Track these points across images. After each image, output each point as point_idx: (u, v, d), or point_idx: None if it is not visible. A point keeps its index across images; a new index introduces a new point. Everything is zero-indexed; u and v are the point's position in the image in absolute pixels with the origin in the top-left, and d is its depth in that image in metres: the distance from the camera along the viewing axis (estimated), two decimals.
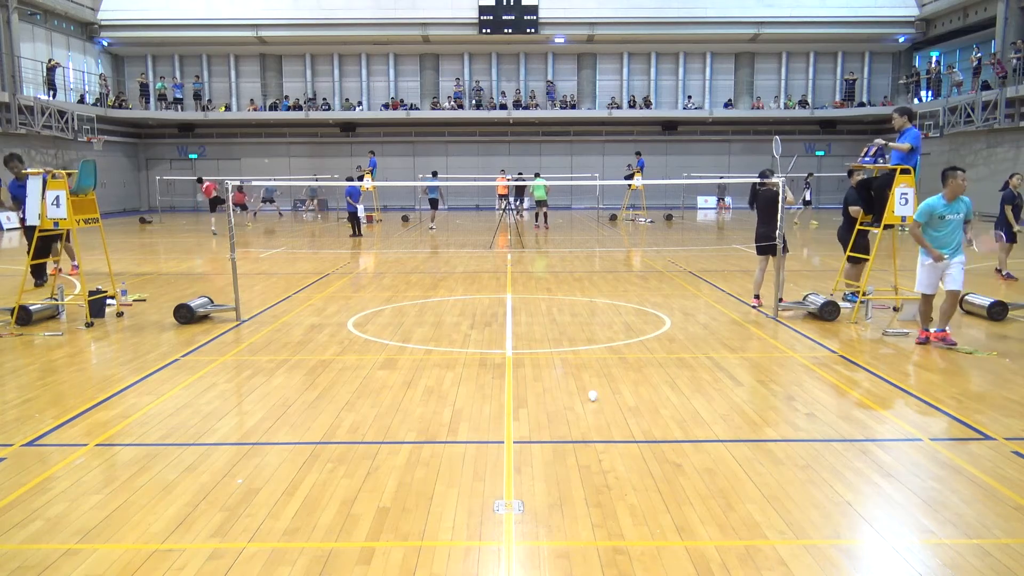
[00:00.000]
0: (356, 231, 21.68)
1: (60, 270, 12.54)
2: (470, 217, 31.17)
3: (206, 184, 24.54)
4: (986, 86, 27.98)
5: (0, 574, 3.61)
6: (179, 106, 36.23)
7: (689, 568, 3.63)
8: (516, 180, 26.96)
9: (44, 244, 10.61)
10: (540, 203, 24.83)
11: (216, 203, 23.88)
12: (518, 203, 28.56)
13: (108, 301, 10.11)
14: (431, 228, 24.45)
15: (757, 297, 10.45)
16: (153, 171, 37.24)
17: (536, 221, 24.61)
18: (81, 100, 32.79)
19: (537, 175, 27.00)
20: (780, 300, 9.87)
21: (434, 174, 27.58)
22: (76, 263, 12.19)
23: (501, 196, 28.30)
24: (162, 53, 37.17)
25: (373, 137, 37.23)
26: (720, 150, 38.00)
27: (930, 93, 32.89)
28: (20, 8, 28.26)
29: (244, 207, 27.67)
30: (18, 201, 9.86)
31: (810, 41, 36.15)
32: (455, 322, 9.48)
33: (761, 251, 10.31)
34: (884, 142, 9.62)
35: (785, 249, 10.28)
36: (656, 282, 12.77)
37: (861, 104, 35.93)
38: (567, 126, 37.67)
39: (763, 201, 10.12)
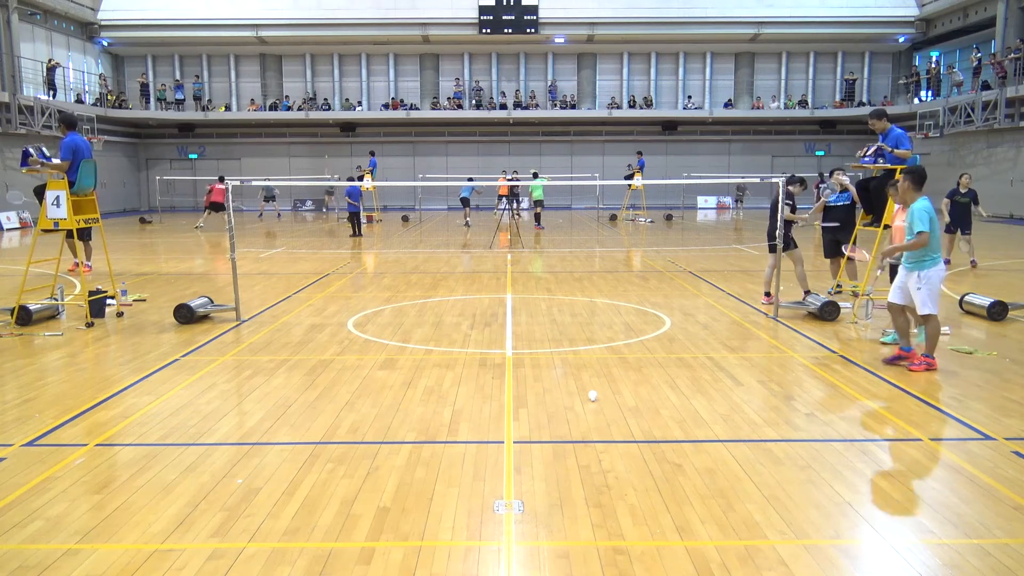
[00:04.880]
0: (356, 231, 21.69)
1: (88, 267, 12.74)
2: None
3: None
4: (986, 86, 27.98)
5: (0, 574, 3.61)
6: (179, 106, 36.24)
7: (689, 568, 3.63)
8: (510, 180, 27.03)
9: (81, 232, 11.71)
10: (537, 203, 24.80)
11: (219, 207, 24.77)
12: (515, 204, 28.63)
13: (108, 301, 10.10)
14: (467, 223, 25.88)
15: (767, 295, 10.55)
16: (153, 171, 37.23)
17: (537, 222, 24.59)
18: (78, 100, 32.73)
19: (535, 175, 27.01)
20: (775, 292, 10.01)
21: (470, 179, 28.09)
22: (78, 261, 12.25)
23: (501, 196, 28.39)
24: (162, 53, 37.18)
25: (373, 137, 37.24)
26: (720, 150, 38.00)
27: (930, 93, 32.88)
28: (20, 8, 28.26)
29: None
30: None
31: (810, 41, 36.14)
32: (455, 322, 9.48)
33: (773, 249, 10.45)
34: (889, 148, 9.49)
35: (794, 245, 10.40)
36: (656, 282, 12.77)
37: (861, 104, 35.91)
38: (567, 126, 37.66)
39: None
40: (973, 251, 14.33)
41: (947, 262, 14.05)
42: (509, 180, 26.27)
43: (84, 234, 12.29)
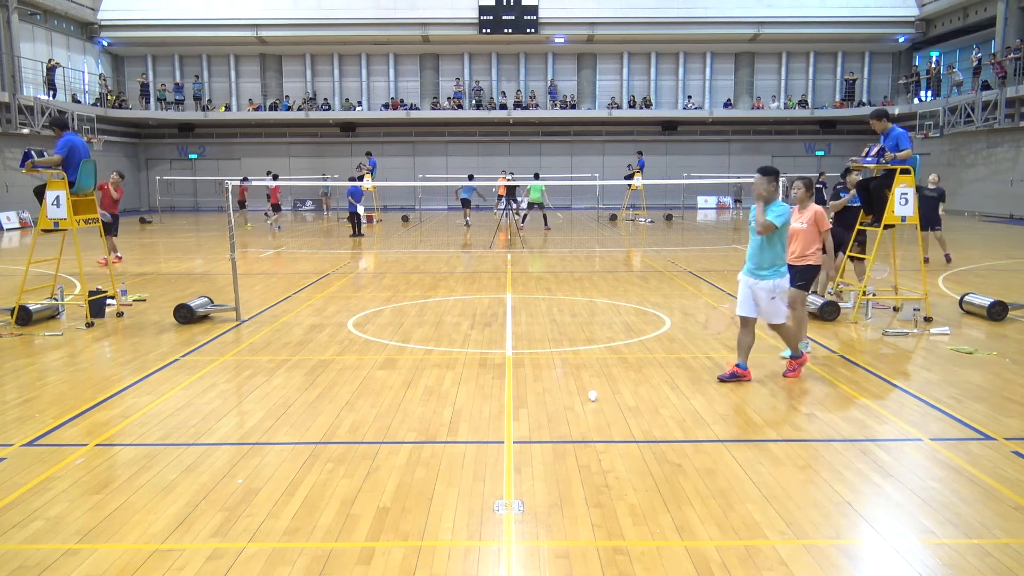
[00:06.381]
0: (356, 231, 21.69)
1: (107, 261, 12.87)
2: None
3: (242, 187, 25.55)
4: (986, 86, 27.97)
5: (0, 574, 3.61)
6: (179, 106, 36.25)
7: (689, 568, 3.63)
8: (510, 180, 26.99)
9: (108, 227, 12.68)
10: (532, 204, 24.64)
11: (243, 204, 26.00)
12: (515, 203, 28.56)
13: (108, 301, 10.11)
14: (467, 223, 25.97)
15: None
16: (153, 171, 37.24)
17: (523, 222, 24.27)
18: (74, 99, 32.68)
19: (536, 176, 26.96)
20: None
21: (470, 177, 27.94)
22: (120, 254, 12.40)
23: (500, 196, 28.34)
24: (162, 53, 37.18)
25: (373, 137, 37.24)
26: (720, 150, 38.00)
27: (930, 93, 32.88)
28: (20, 8, 28.26)
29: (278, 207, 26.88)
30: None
31: (810, 41, 36.15)
32: (455, 322, 9.48)
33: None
34: (893, 155, 9.37)
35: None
36: (656, 282, 12.77)
37: (861, 104, 35.92)
38: (567, 126, 37.67)
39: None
40: (946, 246, 14.84)
41: (927, 260, 14.04)
42: (509, 180, 26.27)
43: (111, 229, 13.11)
